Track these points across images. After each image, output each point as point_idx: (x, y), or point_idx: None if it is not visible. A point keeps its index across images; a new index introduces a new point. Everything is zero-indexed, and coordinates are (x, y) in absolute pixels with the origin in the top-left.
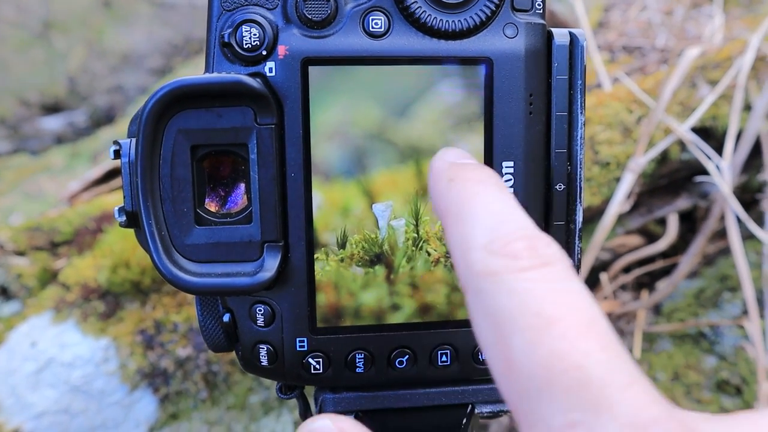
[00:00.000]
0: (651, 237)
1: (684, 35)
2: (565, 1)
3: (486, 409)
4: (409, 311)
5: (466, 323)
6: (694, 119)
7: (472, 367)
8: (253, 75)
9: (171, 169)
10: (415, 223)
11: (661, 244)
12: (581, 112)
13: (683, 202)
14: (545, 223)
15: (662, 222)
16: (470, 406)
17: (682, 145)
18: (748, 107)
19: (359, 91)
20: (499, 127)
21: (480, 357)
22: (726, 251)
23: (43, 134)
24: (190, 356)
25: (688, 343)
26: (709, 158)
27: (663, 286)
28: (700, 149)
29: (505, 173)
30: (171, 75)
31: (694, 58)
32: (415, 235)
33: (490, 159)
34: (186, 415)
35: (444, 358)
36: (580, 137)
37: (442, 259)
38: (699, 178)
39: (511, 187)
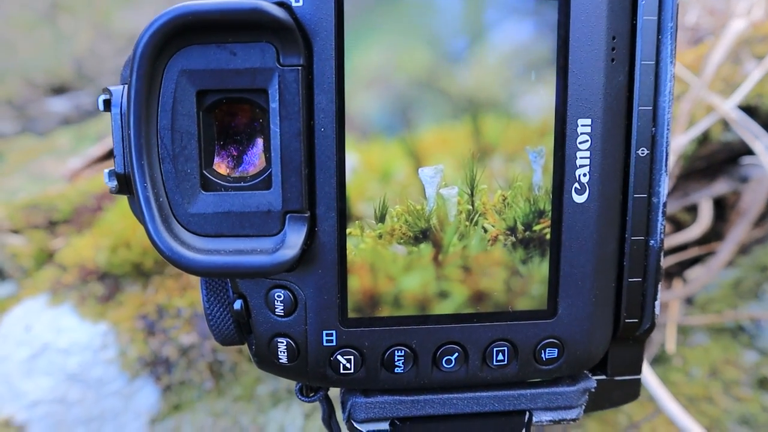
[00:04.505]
0: (678, 225)
1: (717, 11)
2: None
3: (546, 417)
4: (460, 300)
5: (527, 314)
6: (739, 96)
7: (533, 368)
8: (275, 4)
9: (172, 121)
10: (469, 192)
11: (695, 231)
12: (671, 62)
13: (721, 187)
14: (623, 195)
15: (691, 209)
16: (528, 413)
17: (724, 125)
18: None
19: (405, 28)
20: (576, 76)
21: (543, 355)
22: (762, 240)
23: (49, 115)
24: (194, 344)
25: (725, 337)
26: (757, 138)
27: (698, 275)
28: (745, 128)
29: (581, 133)
30: None
31: (740, 30)
32: (470, 207)
33: (564, 115)
34: (190, 406)
35: (500, 357)
36: (669, 92)
37: (501, 237)
38: (746, 159)
39: (587, 150)
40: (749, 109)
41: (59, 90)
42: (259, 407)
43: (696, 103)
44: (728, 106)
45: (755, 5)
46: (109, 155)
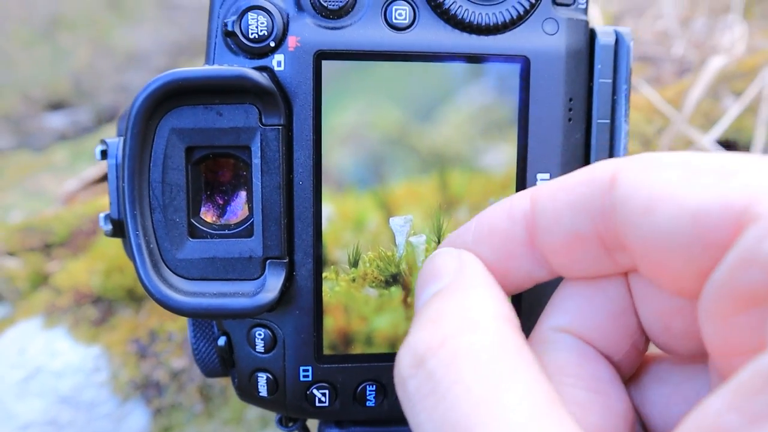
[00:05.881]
0: None
1: (702, 45)
2: None
3: None
4: None
5: None
6: (718, 131)
7: None
8: (259, 69)
9: (163, 174)
10: (437, 240)
11: None
12: (625, 121)
13: None
14: None
15: None
16: None
17: None
18: None
19: (378, 91)
20: (535, 134)
21: None
22: None
23: (46, 131)
24: (184, 368)
25: None
26: None
27: None
28: None
29: None
30: None
31: (719, 67)
32: None
33: (524, 170)
34: (180, 429)
35: None
36: (624, 148)
37: None
38: None
39: None
40: (727, 144)
41: (57, 105)
42: (248, 430)
43: (676, 138)
44: (707, 141)
45: (738, 41)
46: (104, 178)
